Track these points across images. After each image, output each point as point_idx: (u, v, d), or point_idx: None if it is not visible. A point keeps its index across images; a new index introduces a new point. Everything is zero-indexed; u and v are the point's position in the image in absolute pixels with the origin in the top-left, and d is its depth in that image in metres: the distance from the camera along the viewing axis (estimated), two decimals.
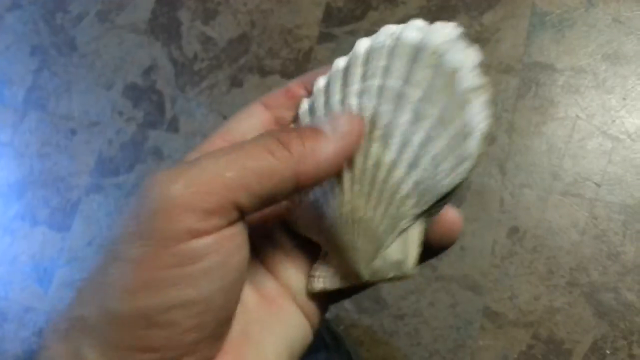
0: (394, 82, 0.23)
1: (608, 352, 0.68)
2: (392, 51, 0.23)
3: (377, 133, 0.22)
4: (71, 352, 0.19)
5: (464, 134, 0.22)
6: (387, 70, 0.23)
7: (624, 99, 0.74)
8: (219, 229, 0.19)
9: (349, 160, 0.23)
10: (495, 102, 0.77)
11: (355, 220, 0.23)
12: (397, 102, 0.22)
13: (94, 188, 0.92)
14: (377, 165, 0.22)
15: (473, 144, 0.22)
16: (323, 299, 0.26)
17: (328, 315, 0.74)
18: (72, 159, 0.94)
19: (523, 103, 0.76)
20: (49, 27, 1.03)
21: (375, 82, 0.23)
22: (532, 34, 0.79)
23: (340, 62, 0.25)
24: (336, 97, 0.24)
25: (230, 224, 0.20)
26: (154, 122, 0.92)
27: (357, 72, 0.24)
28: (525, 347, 0.69)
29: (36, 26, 1.03)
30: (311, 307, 0.25)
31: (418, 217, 0.23)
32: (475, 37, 0.80)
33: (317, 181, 0.21)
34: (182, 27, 0.95)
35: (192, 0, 0.96)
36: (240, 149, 0.20)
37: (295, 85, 0.26)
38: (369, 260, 0.23)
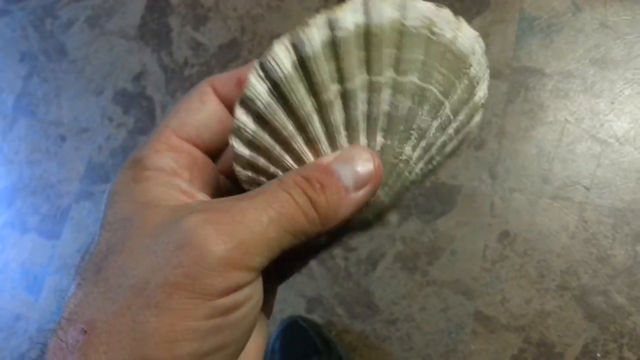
0: (431, 87, 0.23)
1: (599, 355, 0.68)
2: (428, 46, 0.23)
3: (409, 133, 0.23)
4: None
5: (464, 138, 0.25)
6: (423, 70, 0.23)
7: (612, 102, 0.74)
8: (256, 278, 0.21)
9: (380, 157, 0.24)
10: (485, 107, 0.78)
11: (371, 204, 0.24)
12: (431, 107, 0.23)
13: (84, 195, 0.91)
14: (406, 162, 0.24)
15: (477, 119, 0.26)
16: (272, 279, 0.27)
17: (320, 320, 0.74)
18: (61, 166, 0.94)
19: (512, 107, 0.77)
20: (39, 33, 1.02)
21: (412, 79, 0.23)
22: (520, 39, 0.79)
23: (348, 24, 0.22)
24: (357, 82, 0.23)
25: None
26: (144, 128, 0.91)
27: (387, 53, 0.23)
28: (517, 351, 0.70)
29: (25, 32, 1.03)
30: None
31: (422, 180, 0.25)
32: None
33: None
34: (172, 33, 0.95)
35: (182, 6, 0.96)
36: (280, 207, 0.21)
37: (247, 72, 0.25)
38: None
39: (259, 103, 0.23)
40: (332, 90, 0.23)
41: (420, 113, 0.23)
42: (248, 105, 0.23)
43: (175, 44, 0.94)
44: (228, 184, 0.27)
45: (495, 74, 0.78)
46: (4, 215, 0.94)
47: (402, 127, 0.23)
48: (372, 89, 0.23)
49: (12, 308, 0.90)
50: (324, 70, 0.22)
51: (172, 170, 0.23)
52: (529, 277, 0.71)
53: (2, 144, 0.98)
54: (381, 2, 0.23)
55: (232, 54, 0.91)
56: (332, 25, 0.22)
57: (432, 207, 0.76)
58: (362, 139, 0.23)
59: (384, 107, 0.23)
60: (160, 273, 0.19)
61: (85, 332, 0.19)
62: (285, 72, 0.23)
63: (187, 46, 0.94)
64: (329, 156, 0.23)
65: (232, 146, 0.23)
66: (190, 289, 0.19)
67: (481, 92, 0.25)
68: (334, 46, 0.22)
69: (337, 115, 0.23)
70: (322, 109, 0.23)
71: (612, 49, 0.76)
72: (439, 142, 0.24)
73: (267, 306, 0.26)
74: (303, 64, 0.22)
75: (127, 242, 0.20)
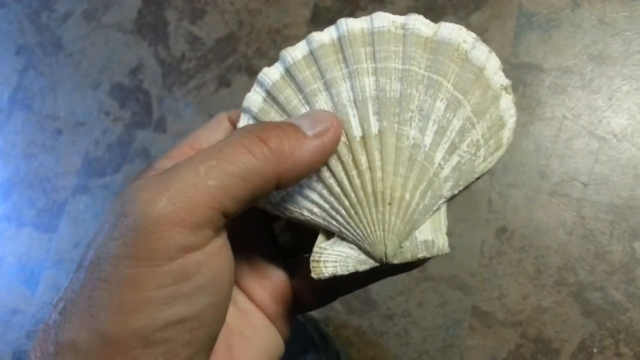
0: (416, 68, 0.23)
1: (595, 350, 0.68)
2: (404, 39, 0.24)
3: (408, 115, 0.23)
4: None
5: (498, 125, 0.24)
6: (404, 56, 0.24)
7: (610, 99, 0.74)
8: (208, 241, 0.19)
9: (380, 140, 0.23)
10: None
11: (391, 199, 0.23)
12: (427, 88, 0.23)
13: (80, 189, 0.91)
14: (416, 146, 0.23)
15: (507, 134, 0.24)
16: (291, 309, 0.26)
17: (317, 315, 0.74)
18: (58, 160, 0.93)
19: None
20: (35, 26, 1.02)
21: (392, 65, 0.23)
22: (519, 35, 0.79)
23: (322, 38, 0.25)
24: (336, 73, 0.24)
25: (217, 234, 0.20)
26: (141, 122, 0.91)
27: (361, 51, 0.24)
28: (514, 347, 0.70)
29: (21, 25, 1.02)
30: (280, 318, 0.25)
31: (449, 199, 0.24)
32: None
33: (296, 180, 0.21)
34: (169, 27, 0.95)
35: None
36: (218, 153, 0.20)
37: None
38: (400, 241, 0.23)
39: (254, 109, 0.25)
40: (315, 85, 0.24)
41: (415, 94, 0.23)
42: (246, 114, 0.25)
43: (172, 37, 0.94)
44: None
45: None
46: (0, 209, 0.94)
47: (397, 109, 0.23)
48: (352, 77, 0.24)
49: (9, 302, 0.89)
50: (305, 72, 0.24)
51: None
52: (526, 273, 0.71)
53: None
54: (350, 19, 0.25)
55: (229, 48, 0.91)
56: (308, 42, 0.25)
57: None
58: (354, 123, 0.23)
59: (370, 91, 0.23)
60: (105, 247, 0.18)
61: (60, 313, 0.19)
62: (274, 79, 0.25)
63: (184, 40, 0.93)
64: None
65: None
66: (133, 257, 0.18)
67: (496, 75, 0.25)
68: (311, 54, 0.25)
69: (323, 104, 0.24)
70: (308, 101, 0.24)
71: (610, 45, 0.76)
72: (455, 126, 0.23)
73: (284, 328, 0.26)
74: (288, 71, 0.25)
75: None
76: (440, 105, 0.23)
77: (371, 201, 0.23)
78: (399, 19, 0.25)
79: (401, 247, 0.23)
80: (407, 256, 0.23)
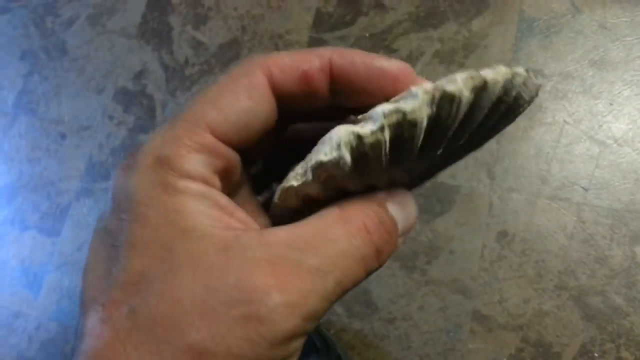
0: None
1: (596, 355, 0.68)
2: None
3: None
4: None
5: None
6: None
7: (611, 104, 0.75)
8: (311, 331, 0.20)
9: None
10: None
11: None
12: None
13: (84, 193, 0.92)
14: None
15: None
16: None
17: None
18: (62, 164, 0.94)
19: None
20: (40, 31, 1.02)
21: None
22: (520, 40, 0.79)
23: None
24: None
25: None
26: (144, 127, 0.92)
27: None
28: (515, 351, 0.70)
29: (26, 30, 1.03)
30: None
31: None
32: (463, 43, 0.81)
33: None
34: (173, 32, 0.95)
35: (182, 5, 0.96)
36: (346, 266, 0.19)
37: (317, 70, 0.21)
38: None
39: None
40: None
41: None
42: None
43: (176, 42, 0.95)
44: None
45: None
46: (4, 212, 0.94)
47: None
48: None
49: (12, 305, 0.90)
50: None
51: (203, 178, 0.19)
52: (527, 277, 0.72)
53: (2, 141, 0.98)
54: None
55: (232, 53, 0.91)
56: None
57: (430, 207, 0.76)
58: None
59: None
60: (223, 342, 0.17)
61: None
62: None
63: (188, 45, 0.94)
64: (381, 193, 0.22)
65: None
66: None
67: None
68: None
69: None
70: None
71: (611, 50, 0.76)
72: None
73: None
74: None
75: (173, 283, 0.18)
76: None
77: None
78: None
79: None
80: None
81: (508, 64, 0.79)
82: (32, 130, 0.97)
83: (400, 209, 0.22)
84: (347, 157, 0.19)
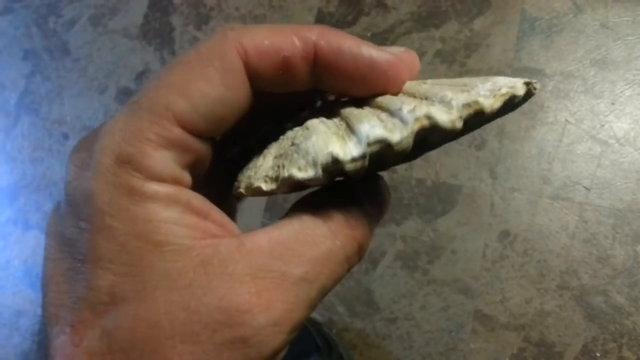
0: None
1: (598, 354, 0.68)
2: None
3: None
4: None
5: None
6: None
7: (613, 103, 0.74)
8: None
9: None
10: None
11: None
12: None
13: None
14: None
15: None
16: None
17: (320, 318, 0.75)
18: (64, 164, 0.94)
19: None
20: (42, 31, 1.03)
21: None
22: (521, 40, 0.79)
23: None
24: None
25: None
26: None
27: None
28: (517, 350, 0.70)
29: (28, 30, 1.03)
30: None
31: None
32: (465, 42, 0.81)
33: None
34: (174, 32, 0.95)
35: (184, 5, 0.96)
36: (331, 271, 0.18)
37: (299, 57, 0.19)
38: None
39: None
40: None
41: None
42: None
43: (178, 43, 0.95)
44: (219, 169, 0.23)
45: (496, 74, 0.79)
46: (7, 212, 0.95)
47: None
48: None
49: (15, 305, 0.90)
50: None
51: (172, 178, 0.17)
52: (529, 276, 0.72)
53: (5, 141, 0.98)
54: None
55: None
56: None
57: (432, 207, 0.76)
58: None
59: None
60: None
61: None
62: None
63: (190, 45, 0.94)
64: (358, 187, 0.21)
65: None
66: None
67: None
68: None
69: None
70: None
71: (613, 50, 0.76)
72: None
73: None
74: None
75: (149, 304, 0.16)
76: None
77: None
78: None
79: None
80: None
81: (510, 64, 0.79)
82: (34, 131, 0.97)
83: (377, 200, 0.21)
84: (322, 175, 0.18)
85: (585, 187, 0.72)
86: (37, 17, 1.04)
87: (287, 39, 0.18)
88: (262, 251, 0.17)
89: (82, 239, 0.17)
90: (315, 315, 0.76)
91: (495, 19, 0.81)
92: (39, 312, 0.89)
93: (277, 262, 0.17)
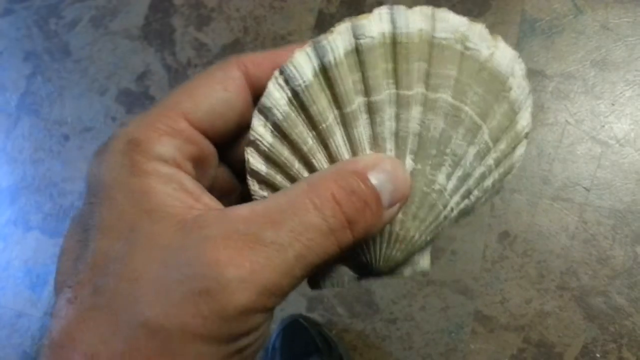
0: (464, 106, 0.21)
1: (598, 355, 0.68)
2: (461, 62, 0.21)
3: (442, 159, 0.21)
4: None
5: (507, 172, 0.22)
6: (456, 88, 0.21)
7: (613, 104, 0.75)
8: (273, 307, 0.19)
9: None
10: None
11: (403, 239, 0.21)
12: (467, 131, 0.21)
13: None
14: (439, 192, 0.21)
15: (508, 178, 0.23)
16: None
17: (320, 319, 0.75)
18: (65, 165, 0.94)
19: None
20: (43, 32, 1.03)
21: (442, 96, 0.21)
22: (522, 41, 0.79)
23: (373, 31, 0.21)
24: (384, 94, 0.21)
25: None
26: None
27: (414, 69, 0.21)
28: (517, 351, 0.70)
29: (29, 32, 1.04)
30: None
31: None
32: None
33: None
34: (175, 33, 0.96)
35: (185, 6, 0.96)
36: (309, 239, 0.18)
37: (285, 54, 0.22)
38: (396, 267, 0.22)
39: (277, 113, 0.21)
40: (356, 103, 0.21)
41: (454, 136, 0.21)
42: (266, 115, 0.21)
43: (179, 44, 0.95)
44: (228, 177, 0.24)
45: None
46: (7, 213, 0.95)
47: (434, 151, 0.21)
48: (400, 104, 0.21)
49: (15, 306, 0.90)
50: (348, 80, 0.21)
51: (174, 162, 0.20)
52: (529, 277, 0.72)
53: (6, 142, 0.98)
54: (409, 11, 0.21)
55: (234, 54, 0.91)
56: (356, 33, 0.21)
57: None
58: None
59: (414, 125, 0.21)
60: (177, 319, 0.17)
61: None
62: (306, 80, 0.21)
63: (190, 46, 0.94)
64: (360, 160, 0.20)
65: (248, 161, 0.21)
66: (207, 337, 0.17)
67: (524, 121, 0.22)
68: (358, 55, 0.21)
69: (362, 130, 0.21)
70: (345, 123, 0.21)
71: (613, 51, 0.76)
72: (477, 174, 0.22)
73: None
74: (325, 72, 0.21)
75: (132, 262, 0.18)
76: (471, 151, 0.21)
77: (385, 239, 0.21)
78: (463, 27, 0.21)
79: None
80: (395, 274, 0.23)
81: None
82: (35, 132, 0.98)
83: (387, 178, 0.20)
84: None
85: (585, 188, 0.72)
86: (38, 19, 1.04)
87: (280, 52, 0.21)
88: (240, 218, 0.18)
89: (91, 211, 0.19)
90: (316, 316, 0.76)
91: (495, 20, 0.81)
92: (39, 314, 0.89)
93: (252, 227, 0.18)
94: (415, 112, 0.21)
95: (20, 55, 1.03)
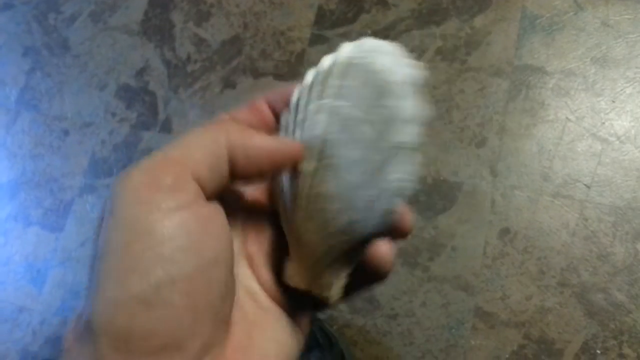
0: (344, 104, 0.24)
1: (599, 351, 0.68)
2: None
3: (327, 162, 0.24)
4: (88, 352, 0.19)
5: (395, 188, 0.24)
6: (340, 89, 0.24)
7: (613, 101, 0.75)
8: (186, 205, 0.21)
9: (296, 181, 0.24)
10: (486, 105, 0.78)
11: (301, 241, 0.24)
12: (345, 129, 0.24)
13: (87, 189, 0.92)
14: (318, 195, 0.24)
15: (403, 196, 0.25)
16: (308, 310, 0.27)
17: (321, 315, 0.75)
18: (65, 160, 0.94)
19: (514, 105, 0.77)
20: (42, 27, 1.02)
21: (327, 103, 0.24)
22: (522, 37, 0.80)
23: (309, 77, 0.26)
24: (299, 115, 0.25)
25: (197, 201, 0.21)
26: (147, 123, 0.92)
27: (317, 89, 0.25)
28: (517, 347, 0.70)
29: (29, 27, 1.03)
30: (295, 311, 0.26)
31: (350, 251, 0.24)
32: (466, 40, 0.81)
33: (247, 173, 0.23)
34: (175, 29, 0.95)
35: (185, 2, 0.96)
36: (189, 136, 0.23)
37: (259, 101, 0.27)
38: (316, 274, 0.25)
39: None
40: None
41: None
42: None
43: (178, 39, 0.95)
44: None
45: (496, 72, 0.79)
46: (8, 208, 0.95)
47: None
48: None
49: (16, 300, 0.90)
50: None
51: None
52: (529, 273, 0.72)
53: (5, 137, 0.98)
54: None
55: (234, 50, 0.91)
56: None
57: (433, 204, 0.76)
58: None
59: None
60: (101, 229, 0.21)
61: (86, 295, 0.21)
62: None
63: (190, 42, 0.94)
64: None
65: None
66: (121, 227, 0.20)
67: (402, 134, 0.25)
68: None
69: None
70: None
71: (613, 47, 0.77)
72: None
73: (302, 324, 0.26)
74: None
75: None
76: (354, 155, 0.25)
77: (294, 235, 0.25)
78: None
79: (317, 279, 0.25)
80: (315, 289, 0.25)
81: (510, 62, 0.79)
82: (35, 127, 0.97)
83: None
84: None
85: (585, 185, 0.73)
86: (37, 14, 1.04)
87: (259, 105, 0.28)
88: None
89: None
90: None
91: (496, 16, 0.81)
92: (40, 308, 0.89)
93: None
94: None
95: (19, 50, 1.02)
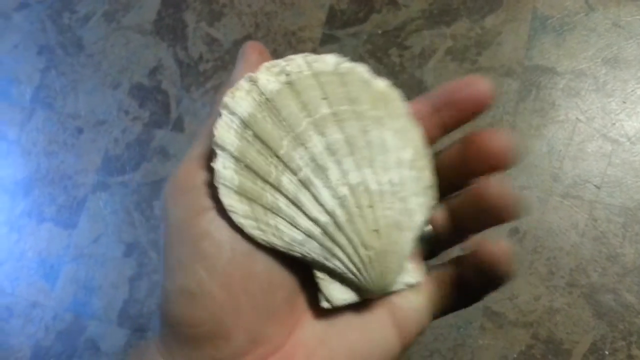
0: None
1: (607, 352, 0.68)
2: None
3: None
4: (159, 337, 0.22)
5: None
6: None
7: (624, 102, 0.74)
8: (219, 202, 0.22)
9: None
10: (496, 105, 0.78)
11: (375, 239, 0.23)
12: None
13: (100, 186, 0.93)
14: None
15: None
16: (423, 316, 0.25)
17: None
18: (78, 157, 0.95)
19: (524, 106, 0.77)
20: (56, 26, 1.04)
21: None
22: (533, 38, 0.79)
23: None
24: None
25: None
26: (159, 122, 0.93)
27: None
28: (525, 347, 0.70)
29: (43, 25, 1.05)
30: (407, 321, 0.25)
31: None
32: (476, 40, 0.81)
33: None
34: (187, 29, 0.96)
35: (197, 1, 0.97)
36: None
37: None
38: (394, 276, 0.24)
39: (230, 148, 0.22)
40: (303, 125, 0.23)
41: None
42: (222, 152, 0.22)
43: (191, 39, 0.95)
44: None
45: (507, 72, 0.79)
46: (21, 205, 0.96)
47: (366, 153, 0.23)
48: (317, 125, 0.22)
49: (29, 296, 0.91)
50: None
51: None
52: (538, 274, 0.72)
53: (20, 135, 0.99)
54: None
55: None
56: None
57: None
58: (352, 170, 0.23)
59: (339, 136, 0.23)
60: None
61: None
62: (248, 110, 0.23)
63: (202, 42, 0.95)
64: None
65: (224, 204, 0.22)
66: (169, 224, 0.23)
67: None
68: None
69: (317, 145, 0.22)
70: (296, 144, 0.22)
71: (624, 48, 0.76)
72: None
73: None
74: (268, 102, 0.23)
75: None
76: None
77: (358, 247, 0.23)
78: (341, 60, 0.25)
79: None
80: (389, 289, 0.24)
81: (521, 62, 0.79)
82: (49, 124, 0.99)
83: None
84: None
85: (595, 186, 0.73)
86: (52, 13, 1.05)
87: None
88: None
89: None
90: None
91: (506, 16, 0.81)
92: (53, 304, 0.90)
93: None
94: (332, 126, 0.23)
95: (34, 49, 1.04)
